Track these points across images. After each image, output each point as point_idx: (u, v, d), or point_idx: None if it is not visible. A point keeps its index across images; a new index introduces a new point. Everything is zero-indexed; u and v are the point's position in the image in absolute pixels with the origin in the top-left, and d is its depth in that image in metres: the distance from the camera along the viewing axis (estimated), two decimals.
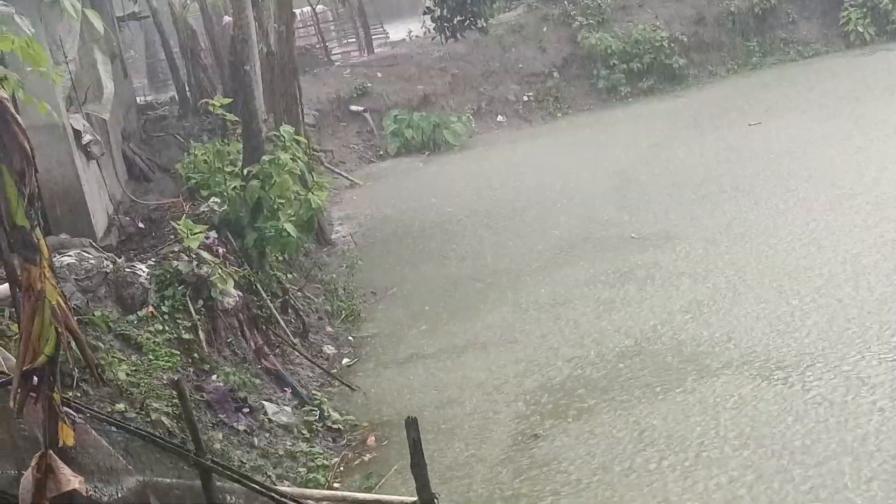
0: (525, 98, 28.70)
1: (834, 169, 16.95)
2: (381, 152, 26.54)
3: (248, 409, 10.38)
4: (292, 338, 13.18)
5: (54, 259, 5.92)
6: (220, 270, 11.68)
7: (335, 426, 11.28)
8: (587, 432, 9.95)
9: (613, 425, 9.95)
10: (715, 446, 9.14)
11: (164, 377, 9.31)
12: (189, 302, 11.07)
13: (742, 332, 11.40)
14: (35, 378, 5.30)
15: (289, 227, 13.44)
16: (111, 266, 10.71)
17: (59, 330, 5.27)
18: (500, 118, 28.20)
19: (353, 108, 27.59)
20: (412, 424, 5.77)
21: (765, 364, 10.48)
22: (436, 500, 6.02)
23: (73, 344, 5.55)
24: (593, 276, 14.32)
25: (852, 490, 8.03)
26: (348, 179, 23.98)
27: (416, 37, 34.40)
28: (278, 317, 13.20)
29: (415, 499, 6.04)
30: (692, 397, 10.13)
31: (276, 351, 12.52)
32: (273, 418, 10.70)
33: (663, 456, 9.17)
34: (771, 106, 23.36)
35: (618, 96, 28.51)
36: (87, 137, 13.28)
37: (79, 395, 8.04)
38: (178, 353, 10.21)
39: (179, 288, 11.10)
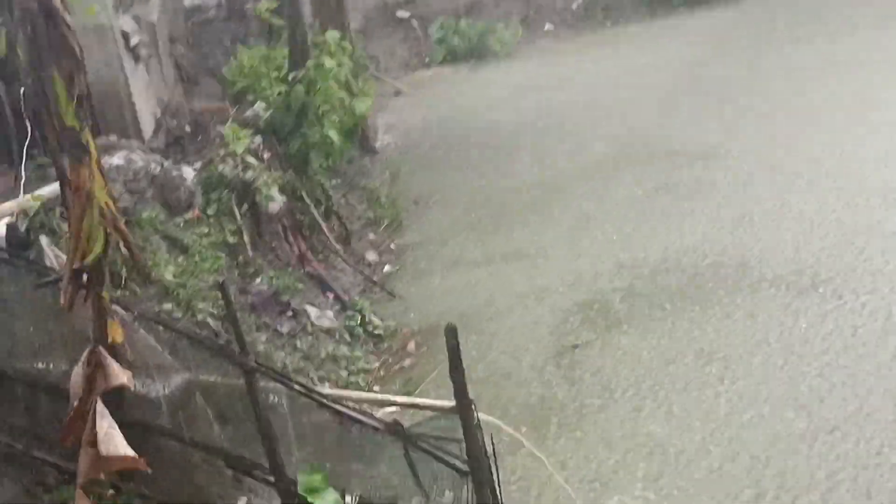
0: (573, 7, 28.15)
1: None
2: (427, 59, 26.27)
3: (291, 313, 10.58)
4: (335, 244, 13.30)
5: (103, 160, 5.99)
6: (265, 175, 11.77)
7: (376, 331, 11.46)
8: (626, 344, 10.02)
9: (654, 338, 10.00)
10: (758, 361, 9.16)
11: (210, 279, 9.49)
12: (234, 206, 11.20)
13: (789, 247, 11.27)
14: (84, 276, 5.42)
15: (333, 134, 13.46)
16: (159, 168, 10.83)
17: (108, 230, 5.36)
18: (547, 27, 27.71)
19: (400, 14, 27.25)
20: (451, 331, 5.84)
21: (811, 279, 10.41)
22: (473, 406, 6.12)
23: (121, 244, 5.64)
24: (637, 190, 14.20)
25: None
26: (393, 87, 23.84)
27: None
28: (321, 223, 13.31)
29: (453, 403, 6.13)
30: (735, 311, 10.12)
31: (319, 256, 12.65)
32: (315, 322, 10.89)
33: (703, 369, 9.22)
34: (832, 20, 22.44)
35: (669, 6, 27.83)
36: (135, 39, 13.29)
37: (127, 293, 8.23)
38: (224, 255, 10.38)
39: (225, 192, 11.22)
